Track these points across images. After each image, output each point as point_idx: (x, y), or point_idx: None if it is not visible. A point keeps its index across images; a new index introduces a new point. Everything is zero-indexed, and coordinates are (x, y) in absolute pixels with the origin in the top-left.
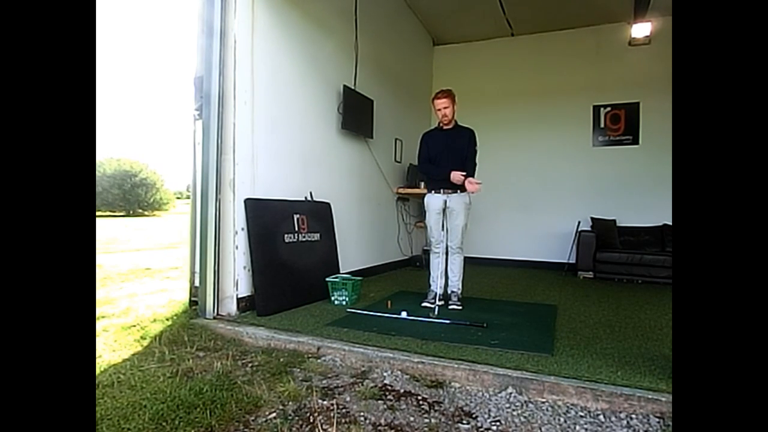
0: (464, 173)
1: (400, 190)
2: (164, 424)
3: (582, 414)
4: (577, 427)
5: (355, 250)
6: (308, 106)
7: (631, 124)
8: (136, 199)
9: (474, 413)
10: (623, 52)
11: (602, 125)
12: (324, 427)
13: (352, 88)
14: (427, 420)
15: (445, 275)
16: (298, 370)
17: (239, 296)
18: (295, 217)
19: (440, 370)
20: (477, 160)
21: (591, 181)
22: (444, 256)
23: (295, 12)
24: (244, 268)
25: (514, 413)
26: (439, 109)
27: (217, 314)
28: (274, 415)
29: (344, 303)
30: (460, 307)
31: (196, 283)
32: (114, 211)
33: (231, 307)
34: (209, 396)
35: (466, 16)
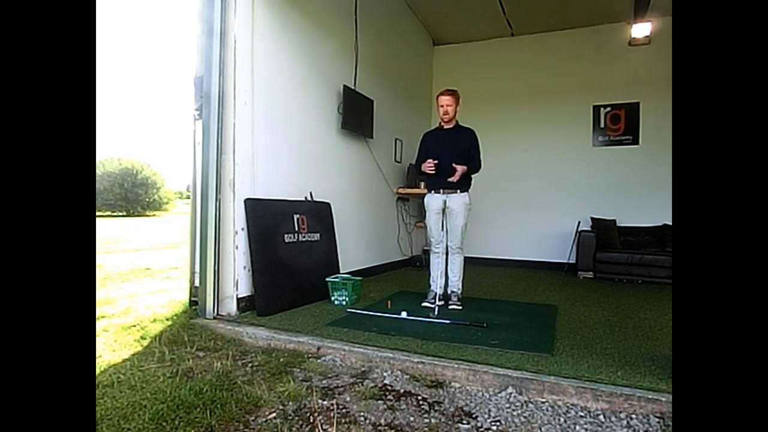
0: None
1: (400, 190)
2: (164, 424)
3: (582, 414)
4: (577, 427)
5: (355, 250)
6: (308, 106)
7: (631, 124)
8: (137, 198)
9: (474, 413)
10: (623, 52)
11: (602, 125)
12: (324, 427)
13: (352, 88)
14: (427, 420)
15: (445, 275)
16: (298, 370)
17: (239, 296)
18: (295, 217)
19: (440, 370)
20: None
21: (591, 181)
22: (444, 256)
23: (295, 12)
24: (244, 268)
25: (514, 413)
26: (442, 106)
27: (217, 314)
28: (274, 415)
29: (344, 303)
30: (460, 307)
31: (196, 283)
32: (114, 211)
33: (231, 307)
34: (209, 396)
35: (466, 16)
